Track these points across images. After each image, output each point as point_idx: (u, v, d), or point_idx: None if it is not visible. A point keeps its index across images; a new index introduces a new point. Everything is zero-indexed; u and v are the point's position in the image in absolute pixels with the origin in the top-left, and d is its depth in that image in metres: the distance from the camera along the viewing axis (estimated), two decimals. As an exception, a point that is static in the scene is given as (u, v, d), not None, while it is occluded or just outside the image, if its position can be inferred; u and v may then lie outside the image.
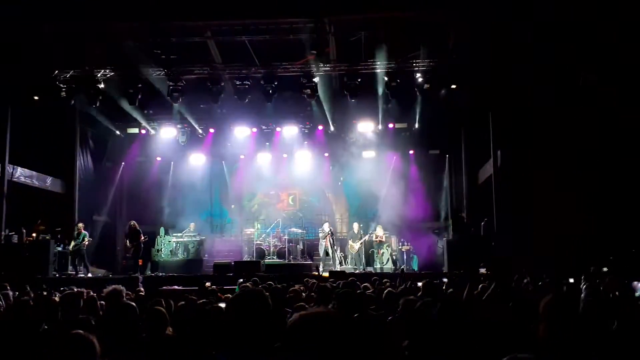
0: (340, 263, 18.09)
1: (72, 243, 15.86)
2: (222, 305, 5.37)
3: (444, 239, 17.12)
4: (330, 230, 17.77)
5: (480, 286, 8.10)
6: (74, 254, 15.87)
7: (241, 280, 11.18)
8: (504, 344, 3.40)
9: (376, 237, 17.82)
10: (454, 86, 16.33)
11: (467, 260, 14.69)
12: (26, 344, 3.83)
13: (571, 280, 8.64)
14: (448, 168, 19.79)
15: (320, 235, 18.11)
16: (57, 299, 6.07)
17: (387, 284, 8.97)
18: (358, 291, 7.29)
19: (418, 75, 15.77)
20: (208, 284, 12.49)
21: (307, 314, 2.08)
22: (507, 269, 10.36)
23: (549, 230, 13.55)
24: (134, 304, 5.10)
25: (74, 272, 15.77)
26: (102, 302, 6.46)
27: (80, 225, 16.19)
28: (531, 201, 14.31)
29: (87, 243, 15.88)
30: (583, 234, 13.13)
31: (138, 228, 16.54)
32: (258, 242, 18.90)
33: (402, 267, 16.81)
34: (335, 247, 17.83)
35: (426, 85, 15.96)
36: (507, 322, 3.45)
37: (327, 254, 17.51)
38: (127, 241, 16.73)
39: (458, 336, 2.92)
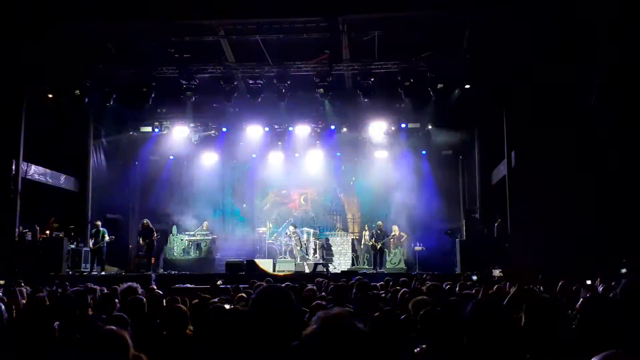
0: (353, 263, 18.22)
1: (92, 241, 15.89)
2: (227, 306, 5.25)
3: (457, 240, 16.98)
4: (295, 230, 17.88)
5: (495, 287, 8.04)
6: (95, 252, 15.89)
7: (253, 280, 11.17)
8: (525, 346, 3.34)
9: (399, 238, 17.74)
10: (467, 86, 16.25)
11: (480, 261, 14.59)
12: (41, 340, 3.82)
13: (588, 282, 8.52)
14: (461, 169, 19.66)
15: (287, 236, 18.30)
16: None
17: (402, 284, 8.90)
18: (374, 292, 7.25)
19: (432, 74, 15.67)
20: (219, 282, 12.52)
21: (331, 315, 2.03)
22: (528, 273, 10.29)
23: (564, 231, 13.41)
24: (142, 297, 5.09)
25: (87, 270, 15.81)
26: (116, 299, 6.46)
27: (98, 223, 16.25)
28: (545, 202, 14.14)
29: (108, 240, 15.89)
30: (599, 235, 12.96)
31: (151, 226, 16.59)
32: (270, 241, 18.94)
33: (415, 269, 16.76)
34: (303, 245, 17.84)
35: (440, 85, 15.88)
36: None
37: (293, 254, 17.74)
38: (140, 239, 16.78)
39: (492, 337, 2.85)
